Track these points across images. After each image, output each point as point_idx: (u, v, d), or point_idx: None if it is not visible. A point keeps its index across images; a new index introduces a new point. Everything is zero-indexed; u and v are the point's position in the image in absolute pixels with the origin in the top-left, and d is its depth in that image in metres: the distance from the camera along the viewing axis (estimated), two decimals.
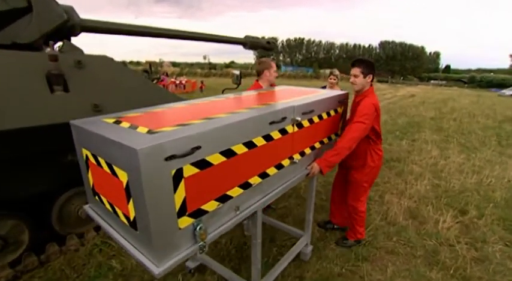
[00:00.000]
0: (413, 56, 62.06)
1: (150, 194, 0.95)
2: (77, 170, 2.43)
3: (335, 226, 2.76)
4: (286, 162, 1.66)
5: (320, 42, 67.27)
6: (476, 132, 7.23)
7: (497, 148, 5.99)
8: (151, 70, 3.34)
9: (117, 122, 1.23)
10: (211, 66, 56.15)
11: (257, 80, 2.70)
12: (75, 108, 2.01)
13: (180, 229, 1.10)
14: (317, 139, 1.98)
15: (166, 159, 0.97)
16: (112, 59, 2.50)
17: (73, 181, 2.45)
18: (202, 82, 17.69)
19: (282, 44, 67.82)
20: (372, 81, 2.15)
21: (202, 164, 1.11)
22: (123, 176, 1.02)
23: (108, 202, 1.23)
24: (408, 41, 65.38)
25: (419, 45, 63.73)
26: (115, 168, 1.06)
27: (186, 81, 17.58)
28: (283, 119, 1.52)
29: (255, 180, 1.43)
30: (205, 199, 1.18)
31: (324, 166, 1.91)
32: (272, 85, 2.70)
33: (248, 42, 4.02)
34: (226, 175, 1.25)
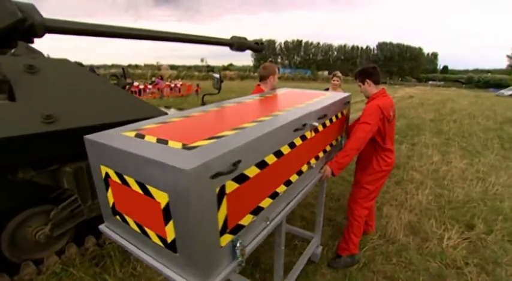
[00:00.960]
0: (411, 56, 62.00)
1: (196, 215, 0.89)
2: (32, 188, 2.19)
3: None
4: (304, 167, 1.66)
5: (318, 44, 67.22)
6: (478, 135, 6.97)
7: (500, 151, 5.73)
8: (125, 75, 3.00)
9: (140, 136, 1.15)
10: (209, 69, 55.95)
11: (259, 85, 2.65)
12: (20, 120, 1.72)
13: (221, 247, 1.05)
14: (328, 142, 2.01)
15: (213, 177, 0.92)
16: (74, 63, 2.23)
17: (29, 200, 2.17)
18: (198, 85, 17.42)
19: (280, 46, 67.76)
20: (376, 84, 2.17)
21: (241, 179, 1.08)
22: (161, 197, 0.95)
23: (136, 222, 1.14)
24: (406, 42, 65.38)
25: (417, 46, 63.83)
26: (150, 188, 0.98)
27: (181, 85, 17.33)
28: (304, 125, 1.52)
29: (281, 189, 1.42)
30: (243, 213, 1.15)
31: (335, 168, 1.94)
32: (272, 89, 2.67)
33: (235, 43, 3.75)
34: (259, 187, 1.23)
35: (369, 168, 2.24)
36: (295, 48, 67.49)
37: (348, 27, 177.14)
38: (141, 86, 15.47)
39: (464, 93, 25.44)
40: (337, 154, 2.01)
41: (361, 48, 65.56)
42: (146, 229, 1.10)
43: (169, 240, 1.01)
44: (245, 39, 3.85)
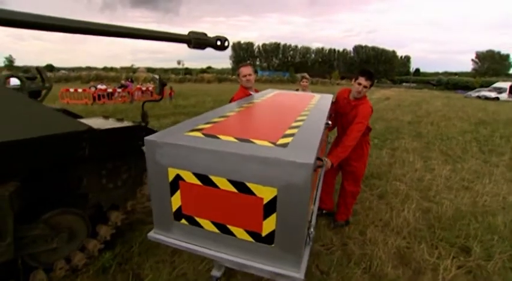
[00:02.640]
0: (385, 59, 64.13)
1: (305, 205, 0.97)
2: None
3: (323, 212, 3.00)
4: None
5: (296, 46, 67.83)
6: (456, 138, 6.85)
7: (480, 155, 5.57)
8: (42, 77, 2.21)
9: (211, 136, 1.14)
10: (187, 71, 54.61)
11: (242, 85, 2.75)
12: None
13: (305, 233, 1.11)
14: (325, 137, 2.22)
15: (314, 169, 1.00)
16: None
17: None
18: (171, 88, 16.53)
19: (259, 48, 67.66)
20: None
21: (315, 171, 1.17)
22: (266, 193, 0.99)
23: (214, 222, 1.13)
24: (381, 46, 67.45)
25: (391, 49, 66.21)
26: (250, 186, 1.00)
27: (153, 88, 16.42)
28: (327, 124, 1.67)
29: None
30: (311, 202, 1.22)
31: (335, 161, 2.21)
32: (248, 88, 2.71)
33: (192, 40, 3.18)
34: (315, 179, 1.36)
35: (362, 155, 2.66)
36: (273, 50, 67.64)
37: (325, 30, 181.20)
38: (110, 90, 14.44)
39: (436, 94, 26.39)
40: (336, 148, 2.32)
41: (338, 51, 66.99)
42: (230, 227, 1.10)
43: (264, 234, 1.05)
44: (205, 35, 3.27)
